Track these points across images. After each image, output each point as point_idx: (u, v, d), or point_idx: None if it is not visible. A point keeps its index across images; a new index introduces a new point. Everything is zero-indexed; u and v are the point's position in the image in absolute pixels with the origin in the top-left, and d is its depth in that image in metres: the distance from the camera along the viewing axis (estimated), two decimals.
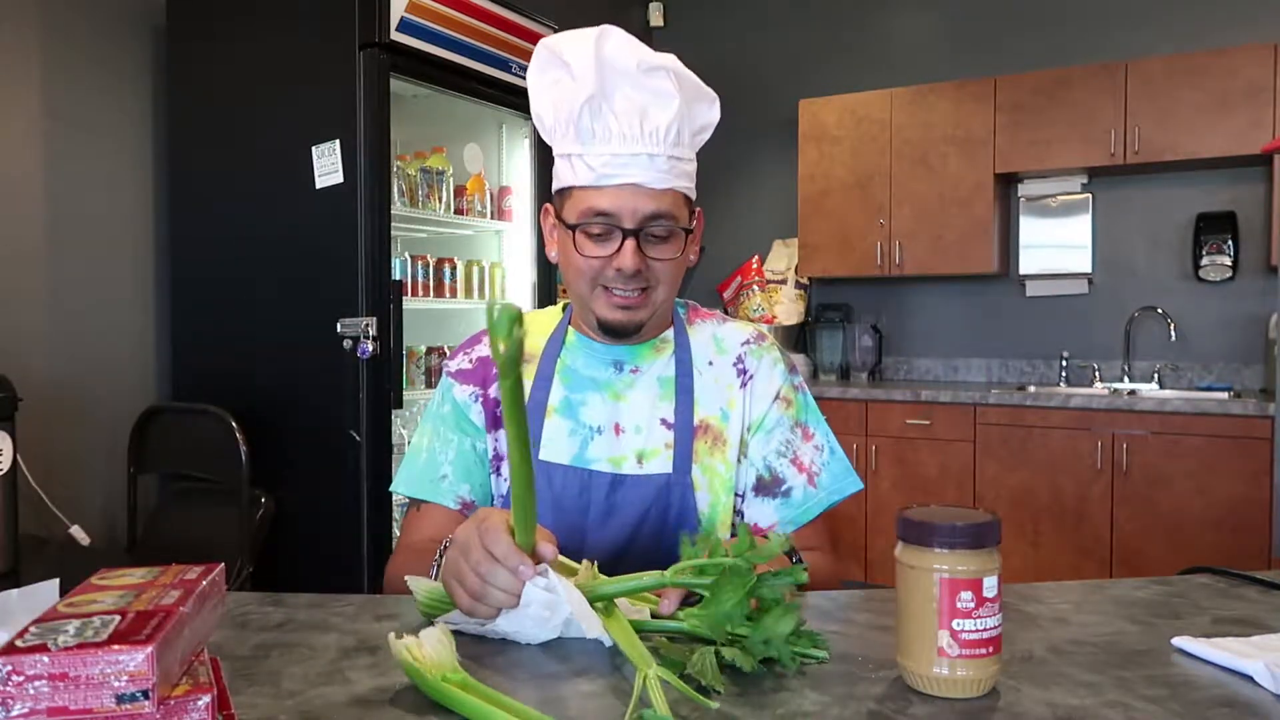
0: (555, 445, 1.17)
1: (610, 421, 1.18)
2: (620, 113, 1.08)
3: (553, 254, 1.21)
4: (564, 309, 1.29)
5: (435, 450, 1.22)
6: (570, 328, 1.24)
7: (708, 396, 1.20)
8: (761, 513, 1.19)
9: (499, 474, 1.20)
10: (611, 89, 1.09)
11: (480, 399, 1.22)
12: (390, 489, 1.27)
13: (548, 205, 1.19)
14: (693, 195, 1.16)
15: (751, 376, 1.22)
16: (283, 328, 2.71)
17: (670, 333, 1.24)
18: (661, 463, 1.16)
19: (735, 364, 1.23)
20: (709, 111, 1.17)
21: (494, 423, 1.20)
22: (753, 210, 4.99)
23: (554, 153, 1.15)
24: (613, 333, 1.16)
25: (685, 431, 1.17)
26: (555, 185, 1.16)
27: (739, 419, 1.20)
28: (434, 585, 0.93)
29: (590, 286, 1.14)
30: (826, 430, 1.25)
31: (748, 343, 1.25)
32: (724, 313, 4.91)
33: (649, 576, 0.86)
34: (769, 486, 1.19)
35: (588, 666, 0.81)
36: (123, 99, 2.89)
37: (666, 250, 1.12)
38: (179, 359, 2.96)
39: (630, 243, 1.09)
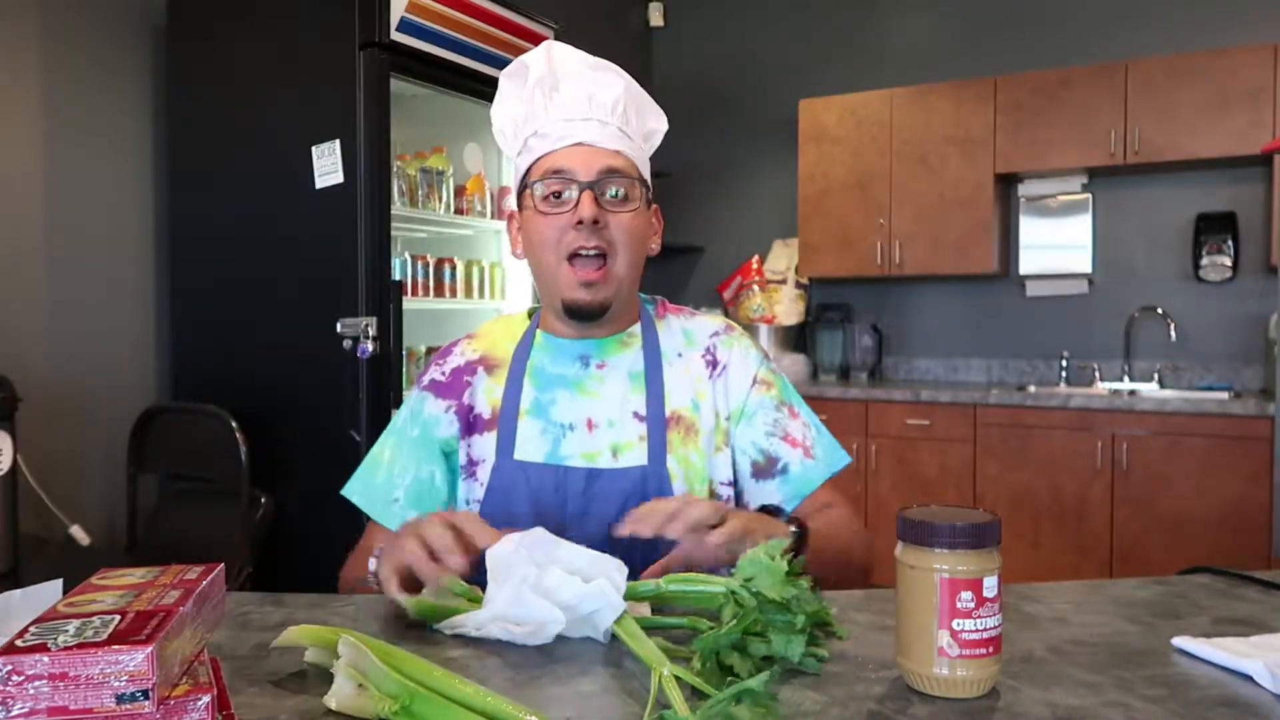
0: (529, 445, 1.18)
1: (582, 418, 1.18)
2: (568, 94, 1.16)
3: (518, 251, 1.24)
4: (530, 314, 1.31)
5: (394, 471, 1.23)
6: (539, 330, 1.26)
7: (678, 388, 1.21)
8: (764, 494, 1.21)
9: (474, 479, 1.21)
10: (560, 78, 1.17)
11: (454, 409, 1.23)
12: (343, 491, 1.26)
13: (512, 211, 1.24)
14: (646, 178, 1.20)
15: (725, 367, 1.24)
16: (283, 328, 2.71)
17: (638, 327, 1.25)
18: (636, 455, 1.17)
19: (704, 355, 1.25)
20: (657, 121, 1.24)
21: (467, 429, 1.22)
22: (753, 210, 4.99)
23: (515, 158, 1.22)
24: (579, 315, 1.17)
25: (658, 423, 1.18)
26: (515, 183, 1.22)
27: (710, 409, 1.21)
28: (418, 597, 0.93)
29: (556, 260, 1.15)
30: (809, 410, 1.28)
31: (717, 334, 1.27)
32: (724, 313, 4.89)
33: (644, 586, 0.87)
34: (766, 469, 1.21)
35: (588, 666, 0.81)
36: (123, 99, 2.89)
37: (624, 208, 1.15)
38: (179, 359, 2.96)
39: (588, 194, 1.12)
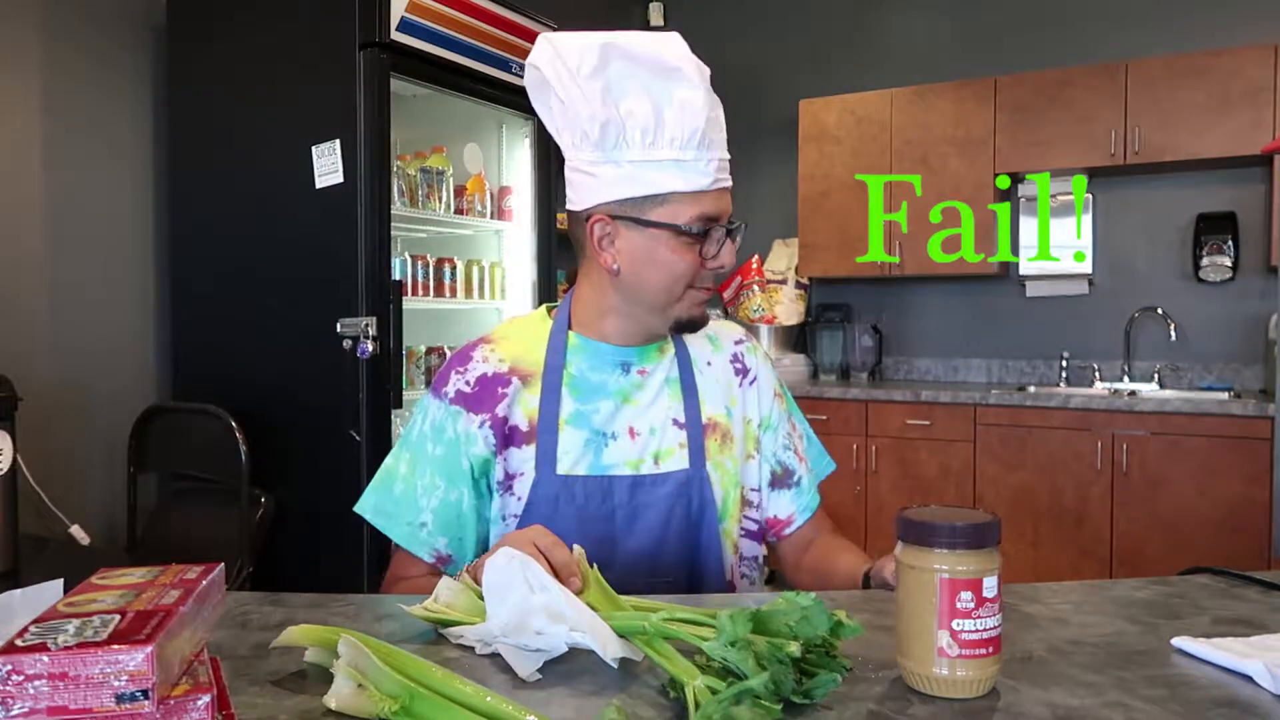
0: (571, 457, 1.15)
1: (624, 426, 1.18)
2: (714, 130, 1.15)
3: (612, 264, 1.13)
4: (548, 312, 1.26)
5: (416, 490, 1.17)
6: (571, 332, 1.21)
7: (712, 394, 1.25)
8: (780, 504, 1.28)
9: (511, 493, 1.16)
10: (702, 105, 1.13)
11: (489, 423, 1.16)
12: (356, 509, 1.20)
13: (602, 216, 1.12)
14: None
15: (755, 377, 1.29)
16: (283, 328, 2.71)
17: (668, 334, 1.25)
18: (678, 460, 1.19)
19: (733, 362, 1.29)
20: None
21: (504, 442, 1.16)
22: (753, 210, 4.98)
23: (624, 158, 1.10)
24: (689, 328, 1.20)
25: (696, 429, 1.21)
26: (633, 192, 1.11)
27: (740, 415, 1.26)
28: (425, 607, 0.92)
29: (683, 288, 1.15)
30: (802, 416, 1.38)
31: (741, 341, 1.32)
32: (724, 313, 4.87)
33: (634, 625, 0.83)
34: (782, 479, 1.28)
35: (588, 666, 0.80)
36: (123, 99, 2.89)
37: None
38: (179, 359, 2.96)
39: (730, 244, 1.16)
